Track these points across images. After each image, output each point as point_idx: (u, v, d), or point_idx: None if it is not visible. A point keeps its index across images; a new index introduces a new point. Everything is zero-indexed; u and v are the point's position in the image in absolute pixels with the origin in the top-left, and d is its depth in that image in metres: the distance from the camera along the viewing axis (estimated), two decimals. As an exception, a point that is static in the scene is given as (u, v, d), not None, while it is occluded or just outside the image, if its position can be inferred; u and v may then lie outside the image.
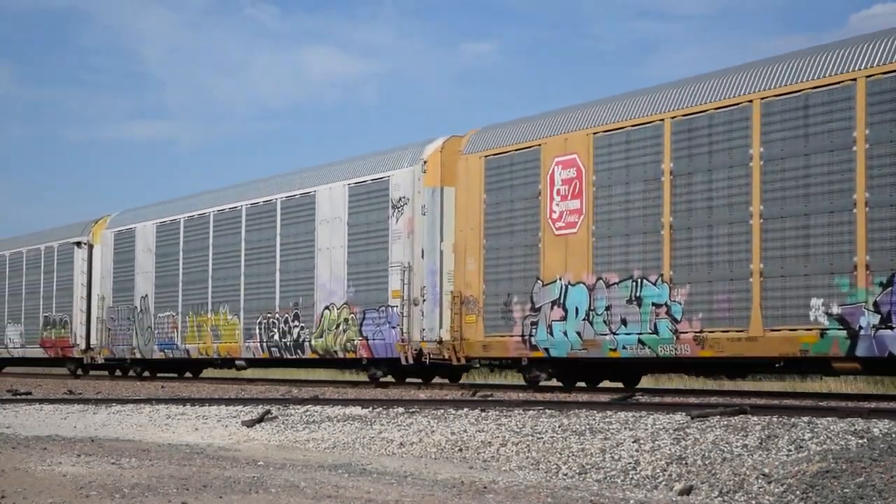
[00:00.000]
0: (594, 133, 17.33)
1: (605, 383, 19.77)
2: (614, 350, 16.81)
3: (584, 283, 17.32)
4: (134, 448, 10.94)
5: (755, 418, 10.30)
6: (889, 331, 13.39)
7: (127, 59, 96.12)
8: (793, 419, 10.02)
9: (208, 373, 32.01)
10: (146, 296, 29.07)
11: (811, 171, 14.36)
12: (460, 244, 19.80)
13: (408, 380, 22.71)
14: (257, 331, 24.89)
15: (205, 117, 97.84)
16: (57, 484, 7.93)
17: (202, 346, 26.77)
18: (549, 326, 17.82)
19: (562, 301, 17.66)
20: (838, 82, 14.17)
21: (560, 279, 17.72)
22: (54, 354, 33.69)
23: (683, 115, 15.99)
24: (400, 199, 21.25)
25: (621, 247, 16.79)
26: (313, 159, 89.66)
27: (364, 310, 21.93)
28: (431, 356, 20.37)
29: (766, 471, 8.28)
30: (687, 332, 15.71)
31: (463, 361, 19.69)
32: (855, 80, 13.96)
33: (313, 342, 23.14)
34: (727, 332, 15.21)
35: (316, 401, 15.57)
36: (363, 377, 27.43)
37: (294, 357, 23.92)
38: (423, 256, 20.66)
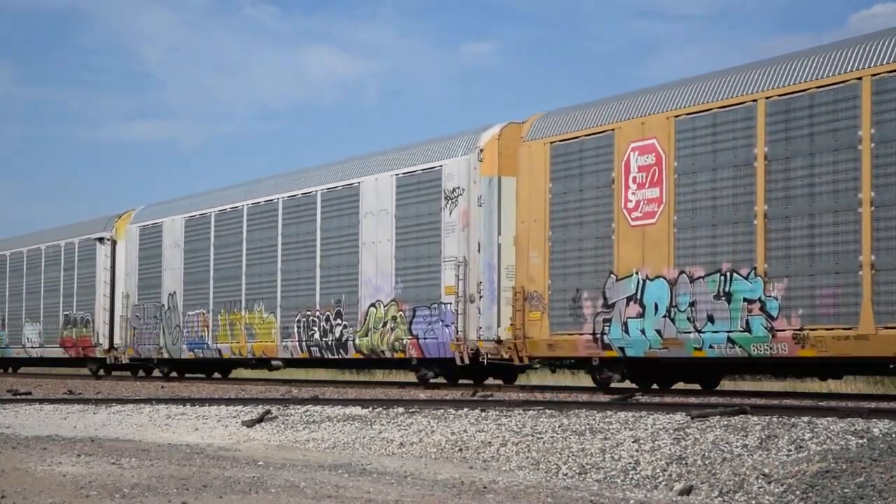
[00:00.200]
0: (676, 116, 16.11)
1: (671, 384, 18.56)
2: (699, 349, 15.60)
3: (664, 278, 16.11)
4: (134, 448, 10.90)
5: (755, 418, 10.24)
6: None
7: (127, 59, 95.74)
8: (793, 419, 9.95)
9: (239, 373, 30.84)
10: (174, 293, 27.86)
11: (930, 153, 13.16)
12: (522, 236, 18.60)
13: (460, 381, 21.48)
14: (296, 329, 23.68)
15: (205, 117, 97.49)
16: (57, 484, 7.92)
17: (235, 346, 25.55)
18: (625, 324, 16.61)
19: (639, 296, 16.45)
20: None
21: (637, 273, 16.51)
22: (75, 354, 32.46)
23: (780, 96, 14.76)
24: (454, 189, 20.04)
25: (707, 238, 15.57)
26: (313, 159, 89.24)
27: (414, 307, 20.72)
28: (489, 356, 19.16)
29: (766, 471, 8.23)
30: (785, 330, 14.48)
31: (526, 361, 18.48)
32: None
33: (357, 341, 21.93)
34: (832, 329, 13.98)
35: (316, 401, 15.42)
36: (399, 377, 26.42)
37: (336, 357, 22.69)
38: (479, 250, 19.45)
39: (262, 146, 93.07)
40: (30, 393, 21.07)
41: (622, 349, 16.70)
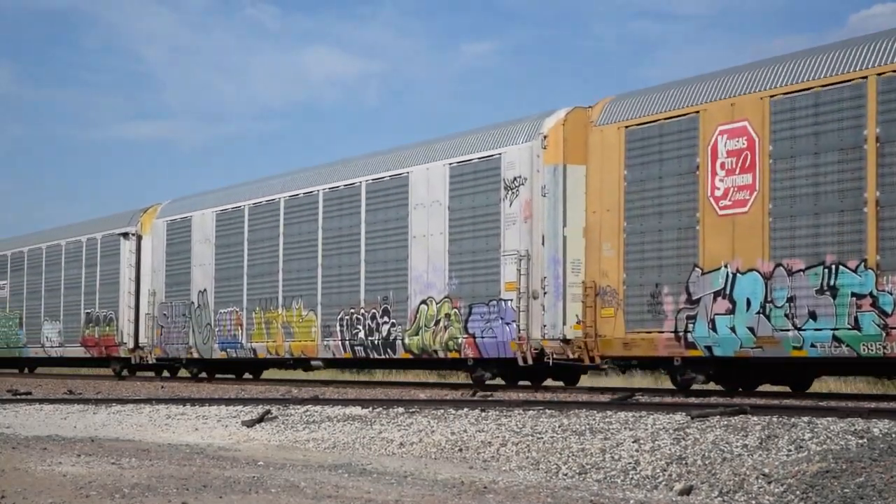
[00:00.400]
0: (771, 96, 14.88)
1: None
2: (798, 348, 14.36)
3: (757, 271, 14.89)
4: (134, 448, 10.91)
5: (755, 418, 10.21)
6: None
7: (127, 59, 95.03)
8: (793, 419, 9.92)
9: (272, 374, 29.63)
10: (205, 290, 26.63)
11: None
12: (593, 228, 17.38)
13: (520, 383, 20.25)
14: (338, 328, 22.45)
15: (205, 117, 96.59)
16: (57, 484, 7.92)
17: (271, 345, 24.32)
18: (712, 321, 15.39)
19: (728, 291, 15.23)
20: None
21: (725, 266, 15.29)
22: (98, 354, 31.21)
23: (894, 72, 13.55)
24: (514, 179, 18.81)
25: (808, 228, 14.35)
26: (314, 159, 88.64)
27: (470, 304, 19.49)
28: (555, 356, 17.94)
29: (766, 471, 8.23)
30: (900, 328, 13.27)
31: (597, 361, 17.25)
32: None
33: (407, 340, 20.70)
34: (956, 326, 12.77)
35: (316, 401, 15.39)
36: (446, 377, 25.27)
37: (383, 357, 21.46)
38: (543, 243, 18.22)
39: (261, 146, 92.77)
40: (30, 393, 20.89)
41: (709, 348, 15.48)
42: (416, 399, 15.36)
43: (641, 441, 9.69)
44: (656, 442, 9.60)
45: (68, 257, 32.94)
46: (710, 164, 15.56)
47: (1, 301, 36.77)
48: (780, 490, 7.87)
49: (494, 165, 19.23)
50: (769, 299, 14.69)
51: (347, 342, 22.15)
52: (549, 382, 20.82)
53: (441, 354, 20.11)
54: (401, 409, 13.39)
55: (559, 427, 10.83)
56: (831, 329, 13.94)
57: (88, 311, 31.57)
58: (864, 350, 13.64)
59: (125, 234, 30.00)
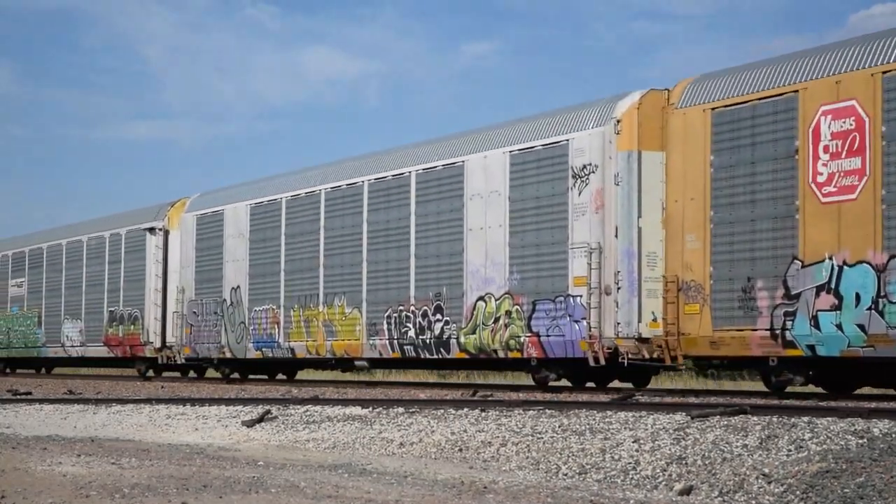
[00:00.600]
0: (884, 72, 13.66)
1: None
2: (917, 347, 13.15)
3: (868, 263, 13.66)
4: (134, 448, 10.91)
5: (755, 418, 10.15)
6: None
7: (127, 59, 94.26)
8: (793, 419, 9.86)
9: (308, 374, 28.40)
10: (238, 287, 25.41)
11: None
12: (675, 218, 16.16)
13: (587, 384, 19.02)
14: (385, 326, 21.23)
15: (205, 117, 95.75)
16: (57, 484, 7.93)
17: (311, 344, 23.09)
18: (814, 318, 14.16)
19: (833, 286, 14.01)
20: None
21: (830, 258, 14.07)
22: (122, 354, 29.99)
23: None
24: (584, 166, 17.59)
25: (928, 215, 13.13)
26: (313, 159, 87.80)
27: (534, 300, 18.26)
28: (630, 355, 16.71)
29: (766, 471, 8.20)
30: None
31: (681, 361, 16.02)
32: None
33: (462, 339, 19.48)
34: None
35: (316, 401, 15.34)
36: (512, 379, 24.08)
37: (436, 357, 20.23)
38: (616, 235, 16.99)
39: (262, 146, 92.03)
40: (30, 393, 20.78)
41: (811, 347, 14.25)
42: (416, 399, 15.31)
43: (641, 441, 9.66)
44: (656, 442, 9.56)
45: (90, 253, 31.74)
46: (812, 147, 14.33)
47: (18, 299, 35.58)
48: (780, 490, 7.83)
49: (561, 152, 18.01)
50: (882, 294, 13.46)
51: (396, 341, 20.93)
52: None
53: (501, 354, 18.88)
54: (401, 409, 13.35)
55: (559, 427, 10.78)
56: (957, 326, 12.72)
57: (112, 309, 30.36)
58: None
59: (151, 229, 28.82)
